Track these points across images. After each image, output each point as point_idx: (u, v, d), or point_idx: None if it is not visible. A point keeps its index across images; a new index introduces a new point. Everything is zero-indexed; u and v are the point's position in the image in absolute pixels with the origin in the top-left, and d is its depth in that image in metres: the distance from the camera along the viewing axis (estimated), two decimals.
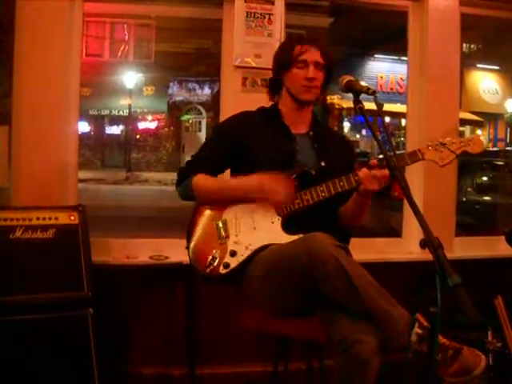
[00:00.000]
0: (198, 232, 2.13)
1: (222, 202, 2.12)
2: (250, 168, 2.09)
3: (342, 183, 1.98)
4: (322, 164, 2.13)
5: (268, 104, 2.28)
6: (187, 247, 2.13)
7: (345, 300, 1.77)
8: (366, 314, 1.75)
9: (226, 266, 2.02)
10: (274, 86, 2.23)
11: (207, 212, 2.15)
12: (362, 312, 1.75)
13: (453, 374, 1.71)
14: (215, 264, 2.03)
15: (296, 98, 2.16)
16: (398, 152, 1.98)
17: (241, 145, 2.14)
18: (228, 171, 2.27)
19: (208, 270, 2.04)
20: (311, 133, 2.21)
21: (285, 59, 2.13)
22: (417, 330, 1.72)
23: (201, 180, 2.13)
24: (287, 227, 2.03)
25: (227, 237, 2.07)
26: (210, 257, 2.05)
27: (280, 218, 2.04)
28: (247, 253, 2.02)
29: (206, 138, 2.30)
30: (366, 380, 1.71)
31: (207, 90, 19.06)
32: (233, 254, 2.03)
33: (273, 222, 2.04)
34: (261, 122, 2.19)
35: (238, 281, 2.05)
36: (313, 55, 2.10)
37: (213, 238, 2.08)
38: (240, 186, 2.09)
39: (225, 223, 2.09)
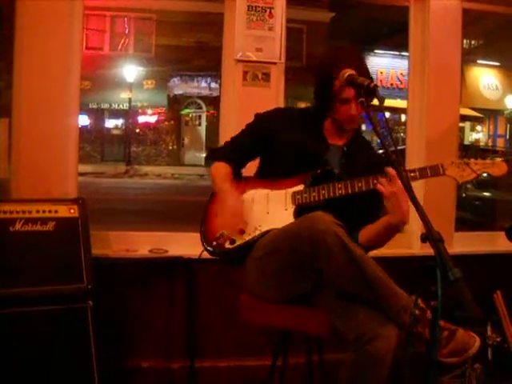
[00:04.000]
0: (214, 211, 2.15)
1: None
2: (274, 163, 2.13)
3: (360, 184, 1.96)
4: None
5: (267, 99, 2.26)
6: (201, 226, 2.16)
7: (345, 276, 1.77)
8: (369, 287, 1.75)
9: (232, 241, 2.03)
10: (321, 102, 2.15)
11: None
12: (364, 287, 1.75)
13: (448, 355, 1.73)
14: (222, 239, 2.05)
15: (341, 126, 2.12)
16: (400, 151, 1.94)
17: (273, 137, 2.15)
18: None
19: (214, 243, 2.06)
20: (345, 148, 2.18)
21: (326, 93, 2.05)
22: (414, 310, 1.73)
23: (215, 169, 2.21)
24: (299, 216, 1.99)
25: None
26: (220, 232, 2.06)
27: (294, 207, 2.04)
28: (255, 233, 2.03)
29: (247, 124, 2.29)
30: (380, 378, 1.71)
31: (207, 84, 19.02)
32: (241, 232, 2.04)
33: (286, 209, 2.04)
34: (300, 123, 2.18)
35: (242, 263, 2.05)
36: (351, 91, 1.97)
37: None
38: (219, 191, 2.14)
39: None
